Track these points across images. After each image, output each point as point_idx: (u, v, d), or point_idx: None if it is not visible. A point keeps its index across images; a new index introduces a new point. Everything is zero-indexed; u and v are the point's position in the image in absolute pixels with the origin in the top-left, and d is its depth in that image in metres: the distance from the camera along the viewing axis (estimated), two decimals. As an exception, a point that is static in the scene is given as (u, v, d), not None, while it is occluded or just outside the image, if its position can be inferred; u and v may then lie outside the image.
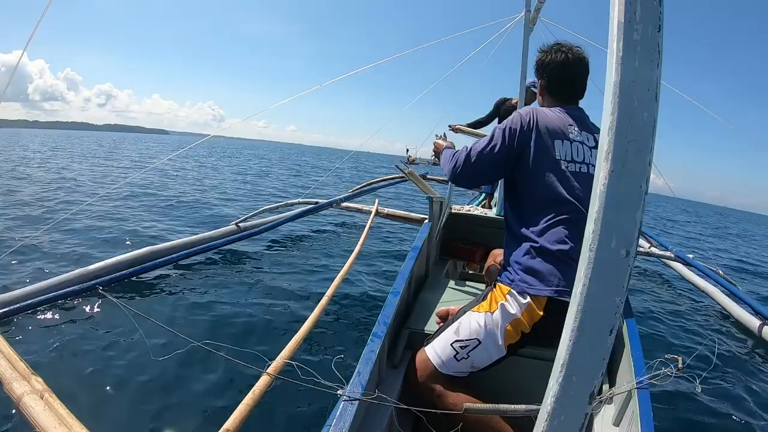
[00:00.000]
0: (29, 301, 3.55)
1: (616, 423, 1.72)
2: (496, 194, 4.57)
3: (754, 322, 5.28)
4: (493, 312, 1.79)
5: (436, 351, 1.84)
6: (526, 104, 6.13)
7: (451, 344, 1.81)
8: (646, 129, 0.62)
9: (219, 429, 1.73)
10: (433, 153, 2.54)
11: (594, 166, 1.83)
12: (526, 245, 1.80)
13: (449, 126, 5.65)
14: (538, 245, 1.77)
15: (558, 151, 1.85)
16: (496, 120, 6.65)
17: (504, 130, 1.92)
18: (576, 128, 1.92)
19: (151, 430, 2.55)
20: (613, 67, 0.63)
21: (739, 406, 3.51)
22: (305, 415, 2.72)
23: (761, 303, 6.06)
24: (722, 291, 6.26)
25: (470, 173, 2.01)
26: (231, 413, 1.83)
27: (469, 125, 6.81)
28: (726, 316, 5.90)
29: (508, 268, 1.86)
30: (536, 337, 1.75)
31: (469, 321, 1.84)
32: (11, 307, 3.42)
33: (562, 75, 2.04)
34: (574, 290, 0.67)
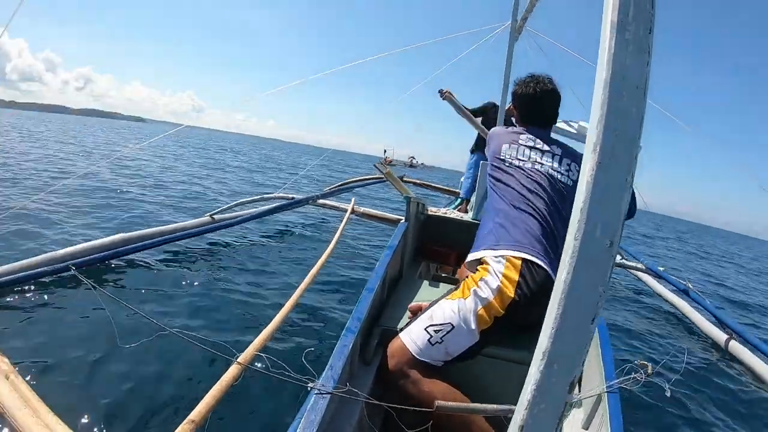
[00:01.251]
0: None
1: (585, 426, 1.73)
2: (472, 199, 4.60)
3: (721, 336, 5.42)
4: (466, 298, 1.84)
5: (411, 337, 1.86)
6: (507, 113, 6.23)
7: (425, 329, 1.84)
8: (634, 123, 0.63)
9: (184, 419, 1.71)
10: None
11: (542, 164, 2.20)
12: (493, 230, 2.04)
13: (440, 90, 5.60)
14: (502, 228, 2.01)
15: (520, 154, 2.25)
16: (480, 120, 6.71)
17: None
18: (526, 136, 2.32)
19: (115, 416, 2.51)
20: (605, 63, 0.64)
21: (705, 415, 3.65)
22: (274, 409, 2.70)
23: (733, 318, 6.26)
24: (692, 305, 6.39)
25: None
26: (198, 403, 1.82)
27: (461, 106, 6.85)
28: (695, 330, 6.03)
29: (477, 245, 2.08)
30: (511, 324, 1.82)
31: (442, 308, 1.88)
32: None
33: (531, 107, 2.38)
34: (557, 277, 0.68)
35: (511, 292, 1.79)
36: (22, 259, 3.97)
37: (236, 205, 6.97)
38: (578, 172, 2.03)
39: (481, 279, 1.86)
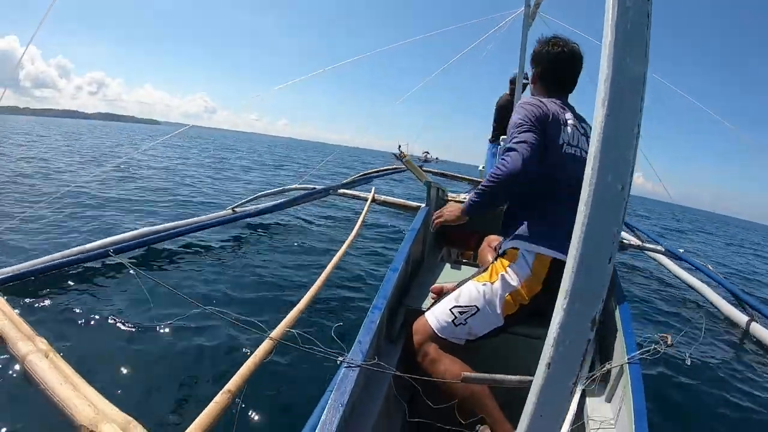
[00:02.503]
0: (39, 267, 3.60)
1: (608, 399, 1.76)
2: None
3: (742, 317, 5.34)
4: (494, 282, 1.85)
5: (435, 316, 1.88)
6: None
7: (450, 309, 1.86)
8: (638, 80, 0.68)
9: (221, 390, 1.80)
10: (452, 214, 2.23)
11: (585, 150, 1.92)
12: (528, 220, 1.93)
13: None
14: (540, 221, 1.90)
15: (562, 136, 1.96)
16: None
17: (531, 121, 1.94)
18: (571, 115, 2.04)
19: (154, 388, 2.63)
20: (609, 27, 0.68)
21: (723, 390, 3.65)
22: (306, 382, 2.79)
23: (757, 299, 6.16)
24: (712, 287, 6.30)
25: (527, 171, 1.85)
26: (233, 375, 1.90)
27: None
28: (715, 312, 5.94)
29: (511, 233, 1.96)
30: (533, 311, 1.82)
31: (469, 289, 1.89)
32: (21, 271, 3.43)
33: (555, 66, 2.15)
34: (576, 223, 0.72)
35: (537, 285, 1.80)
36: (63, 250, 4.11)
37: (257, 198, 7.05)
38: None
39: (510, 265, 1.86)
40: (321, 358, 1.42)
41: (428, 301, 2.33)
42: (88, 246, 4.13)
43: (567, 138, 1.97)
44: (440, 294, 2.23)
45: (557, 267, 1.83)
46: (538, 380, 0.76)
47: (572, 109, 2.11)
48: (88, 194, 8.06)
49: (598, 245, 0.71)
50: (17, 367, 2.39)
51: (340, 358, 1.46)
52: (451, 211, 2.16)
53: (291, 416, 2.45)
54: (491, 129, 6.98)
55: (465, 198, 4.21)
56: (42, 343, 2.24)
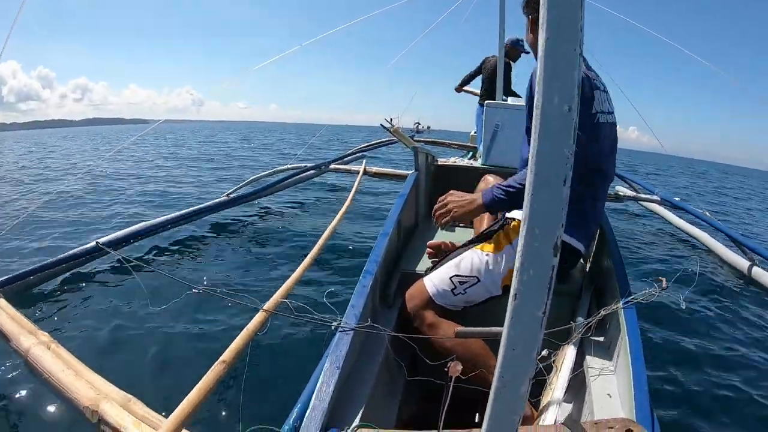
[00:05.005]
0: (36, 267, 3.59)
1: (606, 346, 1.77)
2: (480, 147, 4.65)
3: (743, 262, 5.28)
4: (498, 253, 1.82)
5: (433, 282, 1.85)
6: (506, 60, 6.24)
7: (450, 278, 1.84)
8: (575, 2, 0.68)
9: (216, 360, 1.83)
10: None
11: (613, 112, 1.87)
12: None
13: (456, 88, 5.74)
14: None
15: (594, 104, 1.76)
16: (480, 78, 6.76)
17: None
18: (593, 74, 1.85)
19: (154, 368, 2.74)
20: None
21: (722, 334, 3.67)
22: (302, 350, 2.84)
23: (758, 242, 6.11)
24: (712, 234, 6.28)
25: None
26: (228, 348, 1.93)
27: (462, 82, 6.93)
28: (714, 258, 5.93)
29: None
30: None
31: (471, 258, 1.85)
32: (19, 273, 3.42)
33: None
34: (530, 149, 0.72)
35: None
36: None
37: (250, 182, 7.05)
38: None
39: (517, 239, 1.79)
40: (316, 326, 1.43)
41: (423, 263, 2.34)
42: (82, 248, 4.14)
43: (598, 105, 1.77)
44: (437, 251, 2.22)
45: (567, 249, 1.85)
46: (508, 314, 0.77)
47: (586, 61, 1.92)
48: (71, 202, 8.07)
49: (551, 168, 0.71)
50: (19, 361, 2.42)
51: (334, 323, 1.46)
52: (461, 204, 1.97)
53: (290, 383, 2.49)
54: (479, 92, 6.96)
55: (455, 161, 4.20)
56: (44, 336, 2.27)
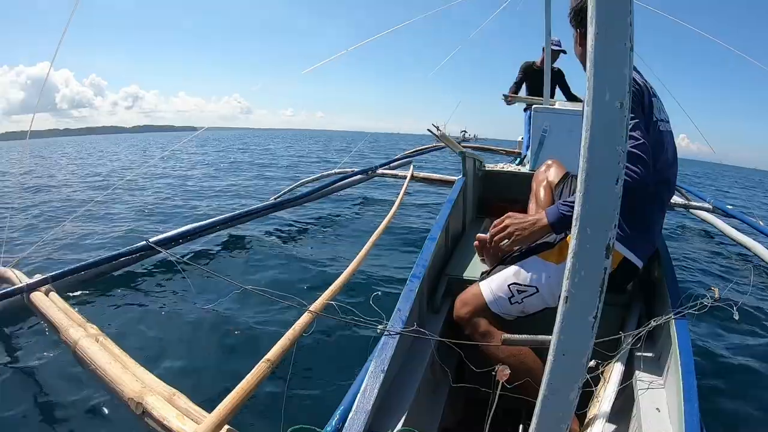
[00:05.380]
0: (89, 263, 3.71)
1: (657, 357, 1.71)
2: (527, 152, 4.58)
3: None
4: (560, 264, 1.73)
5: (491, 288, 1.79)
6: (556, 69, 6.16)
7: (509, 285, 1.76)
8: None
9: (261, 358, 1.85)
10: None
11: (669, 122, 1.82)
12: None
13: (504, 95, 5.70)
14: (628, 216, 1.74)
15: (656, 110, 1.73)
16: (524, 85, 6.67)
17: (634, 108, 1.60)
18: (643, 78, 1.79)
19: (199, 366, 2.81)
20: None
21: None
22: (347, 352, 2.86)
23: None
24: (766, 245, 5.87)
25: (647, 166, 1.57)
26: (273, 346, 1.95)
27: (512, 92, 6.88)
28: (768, 267, 5.63)
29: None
30: None
31: (531, 267, 1.78)
32: (70, 268, 3.53)
33: None
34: (581, 148, 0.70)
35: (614, 265, 1.71)
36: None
37: (297, 186, 7.14)
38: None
39: None
40: (362, 329, 1.42)
41: (471, 269, 2.31)
42: (133, 246, 4.25)
43: (657, 112, 1.73)
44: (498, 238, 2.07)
45: (627, 266, 1.77)
46: (558, 317, 0.76)
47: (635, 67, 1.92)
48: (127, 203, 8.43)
49: (604, 166, 0.69)
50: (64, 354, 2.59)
51: (380, 327, 1.44)
52: (522, 226, 1.79)
53: (333, 385, 2.51)
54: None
55: (503, 167, 4.16)
56: (92, 329, 2.35)
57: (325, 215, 7.23)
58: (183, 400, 1.73)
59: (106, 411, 2.28)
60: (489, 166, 3.86)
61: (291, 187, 7.11)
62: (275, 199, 6.49)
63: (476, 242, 2.03)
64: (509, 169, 4.03)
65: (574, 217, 0.72)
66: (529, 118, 6.53)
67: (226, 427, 1.55)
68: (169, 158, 18.39)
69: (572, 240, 0.73)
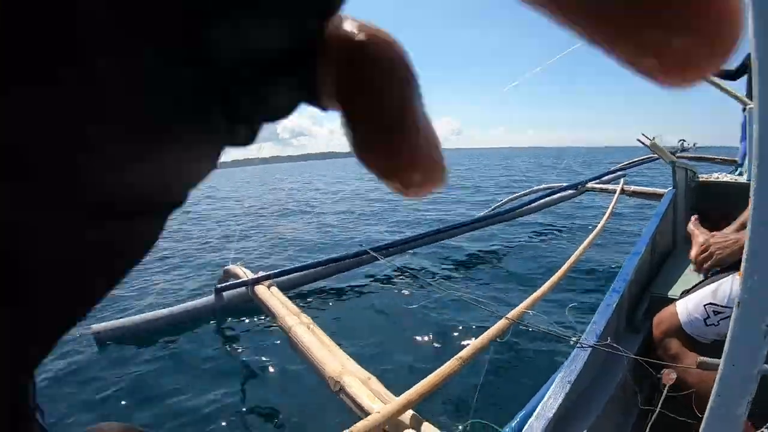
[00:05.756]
0: (305, 272, 4.26)
1: None
2: (744, 159, 4.12)
3: None
4: None
5: (687, 308, 1.68)
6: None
7: (705, 306, 1.65)
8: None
9: (454, 356, 2.00)
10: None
11: None
12: None
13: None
14: None
15: None
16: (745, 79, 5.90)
17: None
18: None
19: (395, 356, 3.13)
20: None
21: None
22: (538, 361, 2.91)
23: None
24: None
25: None
26: (467, 346, 2.09)
27: (722, 74, 6.06)
28: None
29: None
30: None
31: (730, 286, 1.64)
32: (292, 275, 4.11)
33: None
34: (753, 147, 0.64)
35: None
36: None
37: (508, 201, 7.22)
38: None
39: None
40: (554, 340, 1.43)
41: (677, 287, 2.13)
42: (351, 251, 4.68)
43: None
44: (701, 260, 1.93)
45: None
46: (731, 324, 0.72)
47: None
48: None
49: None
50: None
51: (573, 339, 1.45)
52: (724, 245, 1.74)
53: (520, 388, 2.54)
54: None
55: (717, 177, 3.77)
56: (305, 318, 2.75)
57: (532, 229, 7.27)
58: (375, 384, 1.94)
59: (309, 385, 2.65)
60: (703, 177, 3.52)
61: (502, 201, 7.20)
62: (487, 212, 6.65)
63: (686, 233, 1.97)
64: (725, 179, 3.63)
65: (749, 215, 0.66)
66: (745, 121, 5.76)
67: (411, 411, 1.70)
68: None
69: (746, 241, 0.67)
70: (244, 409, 2.73)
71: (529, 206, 6.57)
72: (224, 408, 2.71)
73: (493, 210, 6.84)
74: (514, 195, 7.51)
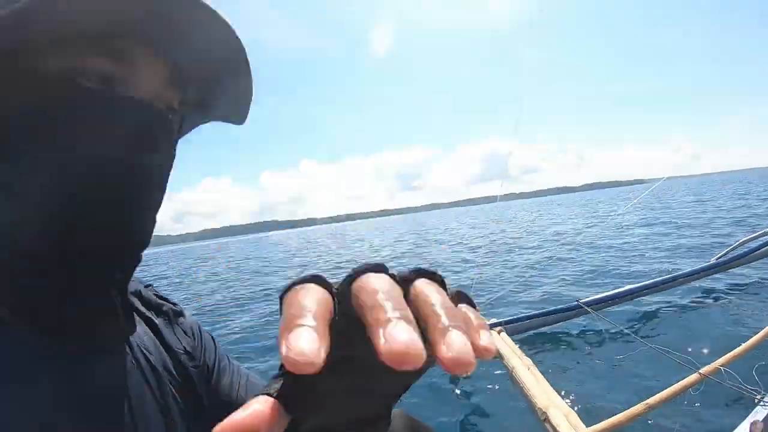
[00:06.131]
0: (529, 321, 4.84)
1: None
2: None
3: None
4: None
5: None
6: None
7: None
8: None
9: (639, 402, 2.34)
10: None
11: None
12: None
13: None
14: None
15: None
16: None
17: None
18: None
19: (591, 395, 3.64)
20: None
21: None
22: (718, 417, 2.88)
23: None
24: None
25: None
26: (650, 397, 2.38)
27: None
28: None
29: None
30: None
31: None
32: (517, 324, 4.70)
33: None
34: None
35: None
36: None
37: (741, 244, 6.43)
38: None
39: None
40: (741, 396, 1.57)
41: None
42: (565, 305, 5.09)
43: None
44: None
45: None
46: None
47: None
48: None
49: None
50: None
51: (757, 397, 1.51)
52: None
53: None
54: None
55: None
56: (527, 360, 3.25)
57: (756, 279, 6.54)
58: (574, 417, 2.37)
59: (519, 412, 3.29)
60: None
61: (731, 246, 6.50)
62: (716, 259, 6.17)
63: None
64: None
65: None
66: None
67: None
68: (609, 216, 18.72)
69: None
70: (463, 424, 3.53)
71: (759, 252, 5.85)
72: (442, 425, 3.55)
73: (723, 255, 6.26)
74: (750, 236, 6.57)
